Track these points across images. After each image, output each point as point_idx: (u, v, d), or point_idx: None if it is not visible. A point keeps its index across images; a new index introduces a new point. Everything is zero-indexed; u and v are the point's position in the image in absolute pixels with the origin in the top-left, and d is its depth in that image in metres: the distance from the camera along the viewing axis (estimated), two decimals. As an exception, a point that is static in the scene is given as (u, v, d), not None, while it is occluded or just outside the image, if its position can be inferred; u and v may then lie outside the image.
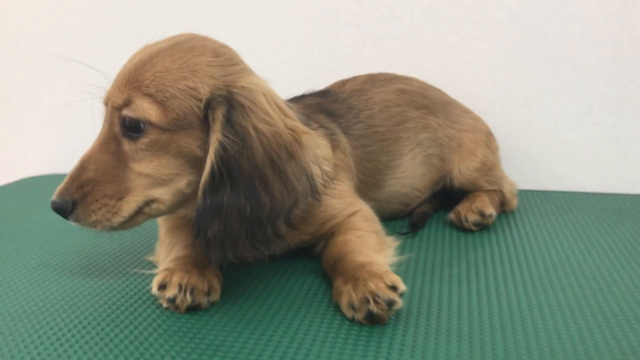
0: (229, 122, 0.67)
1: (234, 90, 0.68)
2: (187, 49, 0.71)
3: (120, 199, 0.70)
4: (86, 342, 0.63)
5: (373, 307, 0.63)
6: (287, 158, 0.68)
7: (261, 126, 0.68)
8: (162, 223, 0.87)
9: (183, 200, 0.73)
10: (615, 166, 1.23)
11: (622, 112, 1.20)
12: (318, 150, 0.72)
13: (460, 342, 0.61)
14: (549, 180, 1.27)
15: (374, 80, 1.03)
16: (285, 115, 0.71)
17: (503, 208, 1.08)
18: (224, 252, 0.68)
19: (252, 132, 0.67)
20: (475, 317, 0.67)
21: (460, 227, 0.98)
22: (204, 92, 0.69)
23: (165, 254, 0.80)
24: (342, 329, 0.65)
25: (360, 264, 0.70)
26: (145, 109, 0.69)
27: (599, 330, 0.64)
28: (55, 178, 1.45)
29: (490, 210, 0.98)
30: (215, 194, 0.67)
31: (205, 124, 0.69)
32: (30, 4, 1.39)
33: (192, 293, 0.68)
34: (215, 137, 0.67)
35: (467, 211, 0.98)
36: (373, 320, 0.64)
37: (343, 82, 1.05)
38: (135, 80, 0.69)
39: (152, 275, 0.77)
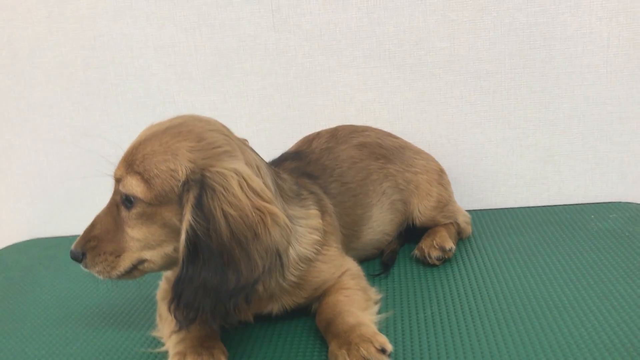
0: (198, 204, 0.76)
1: (207, 174, 0.77)
2: (175, 134, 0.81)
3: (118, 256, 0.82)
4: None
5: None
6: (252, 238, 0.76)
7: (228, 209, 0.75)
8: (160, 299, 0.96)
9: (172, 261, 0.83)
10: (552, 181, 1.37)
11: (553, 133, 1.33)
12: (284, 229, 0.79)
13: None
14: (496, 199, 1.40)
15: (336, 137, 1.13)
16: (258, 196, 0.78)
17: (460, 236, 1.20)
18: (189, 319, 0.77)
19: (219, 214, 0.75)
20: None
21: (425, 263, 1.10)
22: (182, 174, 0.77)
23: (169, 332, 0.87)
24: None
25: (351, 326, 0.80)
26: (133, 186, 0.79)
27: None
28: (38, 242, 1.50)
29: (450, 245, 1.09)
30: (192, 265, 0.76)
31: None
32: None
33: None
34: (186, 218, 0.76)
35: (429, 248, 1.09)
36: None
37: (309, 141, 1.14)
38: (130, 159, 0.81)
39: (161, 355, 0.85)
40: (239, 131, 1.36)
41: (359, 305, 0.87)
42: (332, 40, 1.33)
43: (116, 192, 0.84)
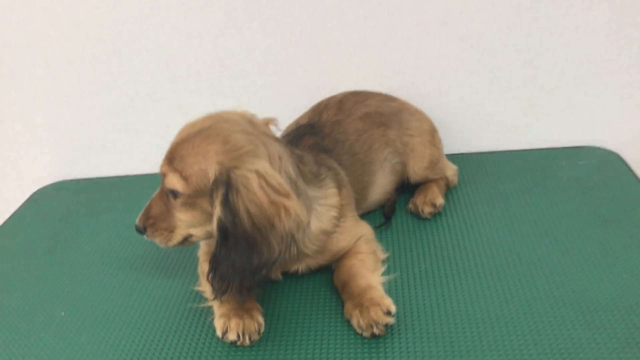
0: (225, 201, 0.92)
1: (232, 176, 0.92)
2: (205, 137, 0.95)
3: (171, 232, 1.02)
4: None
5: (375, 330, 0.95)
6: (270, 228, 0.93)
7: (249, 205, 0.91)
8: (201, 253, 1.16)
9: (213, 234, 1.00)
10: (531, 128, 1.54)
11: (534, 87, 1.48)
12: (296, 218, 0.94)
13: (439, 344, 0.94)
14: (480, 143, 1.57)
15: (343, 109, 1.27)
16: (276, 191, 0.93)
17: (448, 186, 1.38)
18: (222, 290, 0.95)
19: (242, 210, 0.91)
20: (448, 315, 0.99)
21: (418, 216, 1.29)
22: (211, 174, 0.93)
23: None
24: (352, 335, 0.98)
25: (363, 289, 1.00)
26: (174, 183, 0.96)
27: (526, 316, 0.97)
28: (64, 184, 1.66)
29: (440, 201, 1.28)
30: (224, 247, 0.94)
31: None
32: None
33: (249, 336, 0.97)
34: (216, 211, 0.94)
35: (422, 204, 1.27)
36: (375, 336, 0.96)
37: (319, 112, 1.28)
38: (171, 157, 0.97)
39: (205, 310, 1.06)
40: (249, 85, 1.51)
41: (370, 267, 1.07)
42: (335, 0, 1.42)
43: (163, 184, 1.00)
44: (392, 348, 0.94)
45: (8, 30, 1.51)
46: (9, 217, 1.53)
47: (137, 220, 1.04)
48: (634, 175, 1.38)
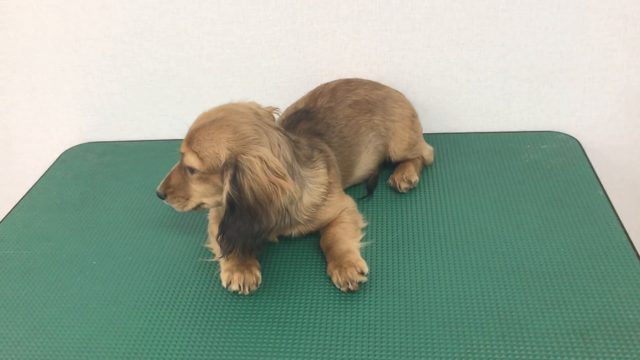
0: (233, 179, 1.13)
1: (239, 160, 1.13)
2: (218, 126, 1.16)
3: (187, 199, 1.24)
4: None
5: (350, 286, 1.18)
6: (269, 202, 1.14)
7: (253, 184, 1.12)
8: (211, 216, 1.38)
9: (221, 203, 1.22)
10: (502, 113, 1.73)
11: (506, 78, 1.67)
12: (291, 195, 1.16)
13: (402, 300, 1.17)
14: (457, 125, 1.77)
15: (335, 96, 1.46)
16: (275, 173, 1.12)
17: (424, 164, 1.59)
18: (228, 251, 1.16)
19: (247, 187, 1.12)
20: (412, 276, 1.22)
21: (396, 191, 1.50)
22: (223, 157, 1.14)
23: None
24: (332, 289, 1.20)
25: (342, 252, 1.22)
26: (192, 161, 1.18)
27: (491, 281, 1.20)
28: (90, 146, 1.87)
29: (415, 178, 1.49)
30: (231, 216, 1.16)
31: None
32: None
33: (248, 288, 1.21)
34: (225, 187, 1.15)
35: (400, 180, 1.49)
36: (350, 292, 1.19)
37: (315, 98, 1.46)
38: (189, 140, 1.18)
39: (212, 265, 1.29)
40: (254, 66, 1.70)
41: (350, 234, 1.29)
42: (333, -4, 1.60)
43: (182, 159, 1.22)
44: (364, 301, 1.17)
45: (42, 10, 1.69)
46: (42, 175, 1.75)
47: (158, 188, 1.25)
48: (587, 159, 1.59)
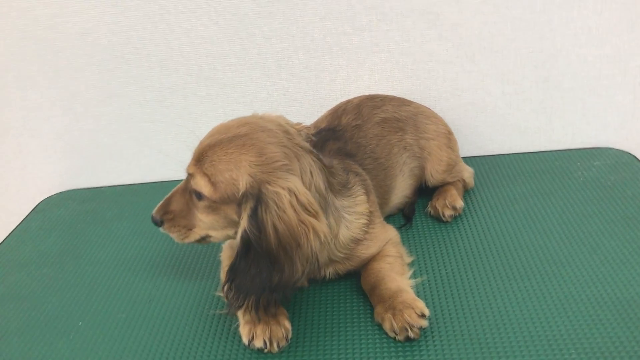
0: (253, 214, 0.89)
1: (264, 190, 0.89)
2: (239, 145, 0.92)
3: (190, 229, 1.00)
4: None
5: (410, 333, 0.93)
6: (296, 247, 0.90)
7: (278, 223, 0.88)
8: (224, 256, 1.13)
9: (232, 237, 1.00)
10: (543, 130, 1.53)
11: (547, 88, 1.48)
12: (324, 240, 0.93)
13: (475, 346, 0.92)
14: (493, 147, 1.56)
15: (361, 113, 1.26)
16: (306, 210, 0.90)
17: (465, 189, 1.37)
18: (237, 306, 0.92)
19: (269, 226, 0.88)
20: (480, 316, 0.98)
21: (439, 219, 1.27)
22: (242, 185, 0.90)
23: None
24: (384, 339, 0.95)
25: (393, 292, 0.98)
26: (202, 186, 0.94)
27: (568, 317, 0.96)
28: (70, 194, 1.62)
29: (460, 203, 1.27)
30: (244, 259, 0.91)
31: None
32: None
33: (277, 343, 0.94)
34: (242, 224, 0.91)
35: (443, 207, 1.26)
36: (409, 340, 0.93)
37: (338, 116, 1.26)
38: (199, 159, 0.95)
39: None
40: (259, 90, 1.49)
41: (398, 270, 1.05)
42: (347, 4, 1.41)
43: (188, 182, 0.98)
44: (428, 351, 0.92)
45: (14, 38, 1.48)
46: (16, 228, 1.49)
47: (154, 212, 1.02)
48: (650, 174, 1.38)
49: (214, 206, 0.95)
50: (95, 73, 1.51)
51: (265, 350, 0.95)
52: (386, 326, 0.95)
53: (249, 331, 0.96)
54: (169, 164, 1.59)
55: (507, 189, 1.37)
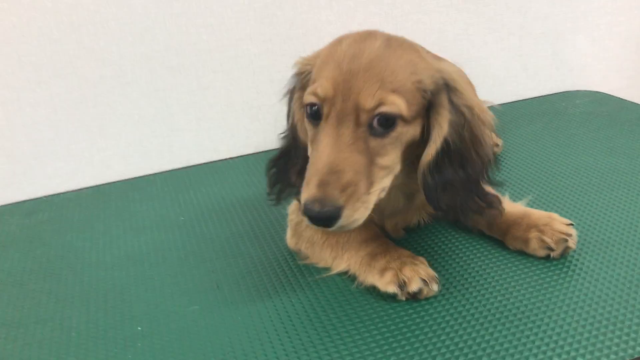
0: (452, 104, 0.77)
1: (447, 77, 0.78)
2: (398, 46, 0.79)
3: (369, 193, 0.75)
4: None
5: (570, 242, 0.84)
6: (482, 141, 0.79)
7: (473, 105, 0.79)
8: (291, 210, 0.96)
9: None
10: (520, 78, 1.56)
11: (522, 35, 1.51)
12: (492, 121, 0.84)
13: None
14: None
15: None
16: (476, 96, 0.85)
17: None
18: (457, 217, 0.88)
19: (466, 111, 0.78)
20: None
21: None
22: (428, 83, 0.77)
23: (336, 253, 0.86)
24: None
25: (521, 214, 0.88)
26: (399, 105, 0.75)
27: None
28: (10, 207, 1.25)
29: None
30: (438, 172, 0.78)
31: (425, 111, 0.78)
32: None
33: (436, 282, 0.79)
34: (446, 119, 0.77)
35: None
36: (565, 253, 0.84)
37: None
38: (378, 80, 0.74)
39: (329, 279, 0.85)
40: (240, 54, 1.30)
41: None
42: (335, -47, 1.30)
43: (358, 123, 0.74)
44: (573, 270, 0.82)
45: None
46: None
47: (311, 204, 0.71)
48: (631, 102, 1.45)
49: (404, 131, 0.76)
50: (33, 45, 1.19)
51: (421, 295, 0.79)
52: (533, 246, 0.85)
53: (394, 276, 0.79)
54: (131, 156, 1.32)
55: (512, 134, 1.34)
